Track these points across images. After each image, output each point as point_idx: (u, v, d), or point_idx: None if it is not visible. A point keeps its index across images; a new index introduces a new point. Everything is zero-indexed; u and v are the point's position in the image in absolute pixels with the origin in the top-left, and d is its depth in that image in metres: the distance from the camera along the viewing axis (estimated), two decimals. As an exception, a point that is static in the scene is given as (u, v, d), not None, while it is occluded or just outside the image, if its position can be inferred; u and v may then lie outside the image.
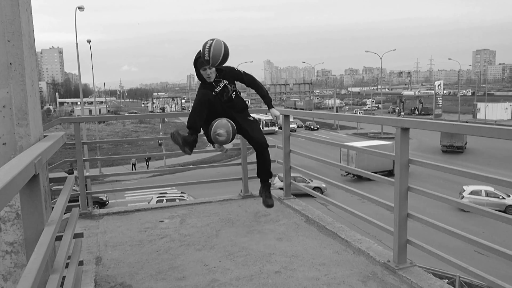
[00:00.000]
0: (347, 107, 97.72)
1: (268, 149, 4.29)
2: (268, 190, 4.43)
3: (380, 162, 32.35)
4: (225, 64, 4.05)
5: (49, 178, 2.88)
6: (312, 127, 67.44)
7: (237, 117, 4.18)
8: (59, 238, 2.33)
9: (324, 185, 27.68)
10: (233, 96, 4.23)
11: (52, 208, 2.23)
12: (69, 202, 2.63)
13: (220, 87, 4.19)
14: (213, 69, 4.09)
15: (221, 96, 4.16)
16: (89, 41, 37.44)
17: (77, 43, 30.83)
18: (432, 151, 44.10)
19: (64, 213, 2.41)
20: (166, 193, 26.26)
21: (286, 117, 5.49)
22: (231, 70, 4.24)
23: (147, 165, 40.87)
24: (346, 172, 33.27)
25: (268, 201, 4.36)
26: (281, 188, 5.66)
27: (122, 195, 30.47)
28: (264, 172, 4.36)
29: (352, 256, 3.78)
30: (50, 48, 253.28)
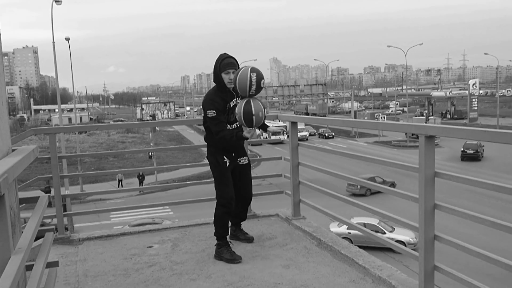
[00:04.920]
0: (367, 111, 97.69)
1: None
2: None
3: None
4: None
5: (20, 198, 2.91)
6: (326, 134, 67.40)
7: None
8: (30, 268, 2.35)
9: (412, 239, 22.56)
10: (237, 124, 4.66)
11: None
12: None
13: (233, 102, 4.56)
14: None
15: (229, 114, 4.56)
16: (67, 39, 37.72)
17: (53, 42, 31.13)
18: (452, 159, 44.94)
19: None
20: None
21: (294, 124, 5.52)
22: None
23: (141, 183, 40.30)
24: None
25: (249, 237, 5.01)
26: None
27: (107, 216, 30.51)
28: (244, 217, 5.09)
29: (371, 286, 3.78)
30: (23, 47, 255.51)
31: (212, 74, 4.61)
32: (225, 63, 4.45)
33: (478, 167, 41.76)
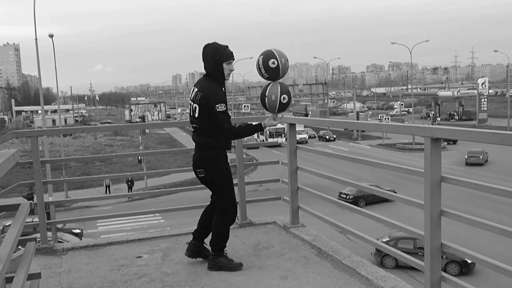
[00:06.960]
0: (370, 112, 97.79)
1: None
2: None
3: None
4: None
5: (-1, 205, 2.90)
6: (327, 137, 67.47)
7: None
8: (10, 280, 2.34)
9: None
10: None
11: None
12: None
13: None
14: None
15: None
16: (51, 36, 37.65)
17: (36, 38, 31.00)
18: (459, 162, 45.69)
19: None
20: None
21: (292, 126, 5.51)
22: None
23: (130, 189, 40.10)
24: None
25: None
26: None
27: (94, 224, 30.42)
28: None
29: (374, 298, 3.77)
30: (4, 44, 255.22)
31: (207, 64, 4.36)
32: (229, 52, 4.35)
33: (484, 171, 42.44)
